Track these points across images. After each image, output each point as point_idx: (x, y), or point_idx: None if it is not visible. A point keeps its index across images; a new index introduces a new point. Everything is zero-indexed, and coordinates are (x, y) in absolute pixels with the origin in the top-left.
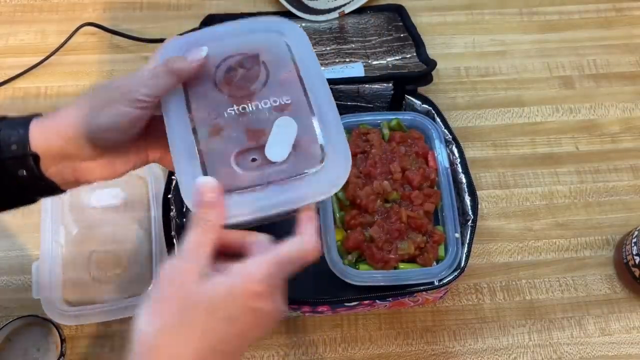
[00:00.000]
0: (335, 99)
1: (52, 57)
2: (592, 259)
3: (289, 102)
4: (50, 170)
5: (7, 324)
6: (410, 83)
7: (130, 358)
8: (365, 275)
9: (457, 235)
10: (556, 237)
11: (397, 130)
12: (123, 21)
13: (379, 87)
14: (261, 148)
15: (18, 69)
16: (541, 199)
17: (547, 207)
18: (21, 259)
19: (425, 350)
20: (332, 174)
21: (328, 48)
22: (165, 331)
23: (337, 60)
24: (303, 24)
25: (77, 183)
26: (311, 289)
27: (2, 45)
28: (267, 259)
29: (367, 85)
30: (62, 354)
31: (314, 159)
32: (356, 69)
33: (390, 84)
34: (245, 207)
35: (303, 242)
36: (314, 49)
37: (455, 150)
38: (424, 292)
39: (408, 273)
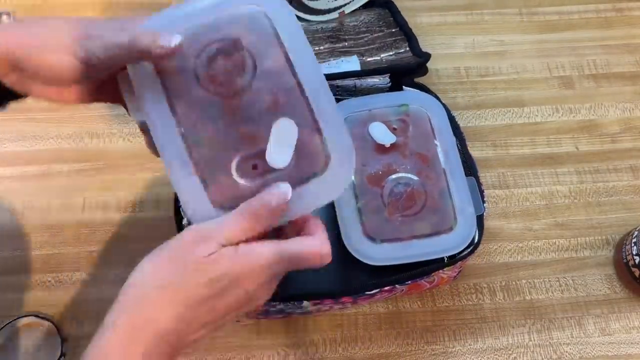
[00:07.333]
0: (333, 95)
1: None
2: (591, 259)
3: (282, 95)
4: None
5: (7, 324)
6: (406, 75)
7: (114, 306)
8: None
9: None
10: (556, 237)
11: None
12: None
13: (376, 80)
14: (261, 153)
15: None
16: (541, 199)
17: (547, 207)
18: (22, 259)
19: (425, 350)
20: (339, 173)
21: (322, 47)
22: (158, 286)
23: (331, 59)
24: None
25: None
26: (324, 281)
27: None
28: (274, 250)
29: (363, 81)
30: (62, 354)
31: (317, 159)
32: (352, 63)
33: (387, 77)
34: None
35: (314, 246)
36: None
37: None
38: (440, 271)
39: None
